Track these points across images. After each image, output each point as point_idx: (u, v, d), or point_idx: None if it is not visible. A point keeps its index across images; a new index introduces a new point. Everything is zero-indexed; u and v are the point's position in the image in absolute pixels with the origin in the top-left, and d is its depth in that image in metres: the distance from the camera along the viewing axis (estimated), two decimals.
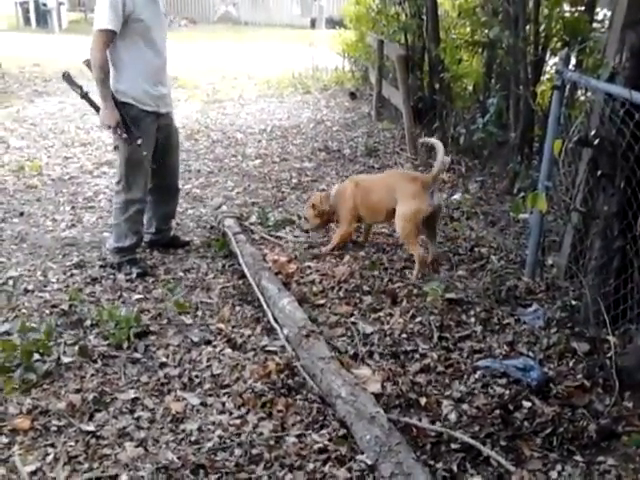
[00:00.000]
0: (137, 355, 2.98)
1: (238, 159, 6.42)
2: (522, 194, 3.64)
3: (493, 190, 5.28)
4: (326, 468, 2.25)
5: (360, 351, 3.00)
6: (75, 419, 2.50)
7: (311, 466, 2.27)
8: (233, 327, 3.24)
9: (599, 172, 3.04)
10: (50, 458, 2.29)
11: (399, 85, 6.65)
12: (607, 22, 4.40)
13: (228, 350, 3.03)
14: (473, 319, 3.27)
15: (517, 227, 4.49)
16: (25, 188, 5.35)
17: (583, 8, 5.06)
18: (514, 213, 4.14)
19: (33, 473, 2.22)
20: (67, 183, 5.54)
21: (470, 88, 7.03)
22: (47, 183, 5.51)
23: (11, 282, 3.62)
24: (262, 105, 9.19)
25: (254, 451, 2.34)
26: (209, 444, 2.38)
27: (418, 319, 3.28)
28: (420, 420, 2.51)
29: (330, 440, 2.39)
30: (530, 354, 2.95)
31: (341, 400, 2.48)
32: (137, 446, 2.36)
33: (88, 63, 3.53)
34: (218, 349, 3.04)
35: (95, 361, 2.91)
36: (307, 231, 4.43)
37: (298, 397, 2.66)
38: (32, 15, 18.25)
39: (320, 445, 2.37)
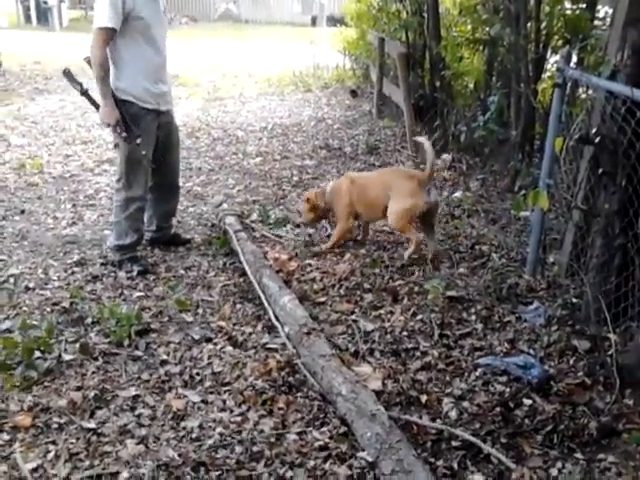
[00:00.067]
0: (138, 353, 2.98)
1: (239, 157, 6.42)
2: (523, 192, 3.64)
3: (494, 188, 5.27)
4: (327, 465, 2.26)
5: (361, 349, 3.00)
6: (76, 416, 2.50)
7: (312, 463, 2.27)
8: (234, 325, 3.24)
9: (600, 170, 3.04)
10: (51, 455, 2.30)
11: (400, 83, 6.65)
12: (608, 19, 4.40)
13: (229, 348, 3.03)
14: (474, 317, 3.27)
15: (518, 225, 4.49)
16: (26, 186, 5.35)
17: (584, 5, 5.05)
18: (515, 211, 4.14)
19: (34, 470, 2.22)
20: (68, 181, 5.54)
21: (471, 86, 7.02)
22: (48, 181, 5.51)
23: (12, 280, 3.62)
24: (263, 103, 9.18)
25: (255, 448, 2.35)
26: (210, 441, 2.38)
27: (419, 317, 3.28)
28: (421, 418, 2.51)
29: (331, 437, 2.40)
30: (531, 352, 2.95)
31: (342, 397, 2.48)
32: (138, 443, 2.36)
33: (89, 60, 3.53)
34: (219, 347, 3.04)
35: (96, 359, 2.91)
36: (299, 225, 4.41)
37: (299, 395, 2.67)
38: (33, 13, 18.26)
39: (321, 442, 2.37)
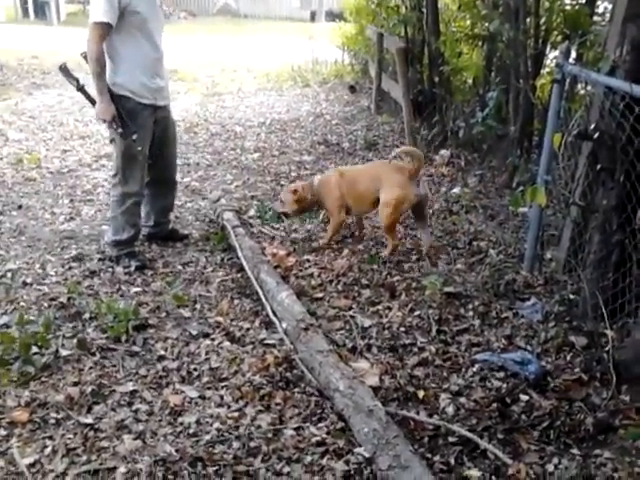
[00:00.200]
0: (135, 348, 2.98)
1: (237, 152, 6.41)
2: (521, 188, 3.64)
3: (492, 184, 5.27)
4: (324, 461, 2.26)
5: (358, 344, 3.00)
6: (73, 412, 2.50)
7: (309, 459, 2.27)
8: (232, 320, 3.24)
9: (598, 166, 3.04)
10: (48, 450, 2.30)
11: (399, 78, 6.63)
12: (608, 15, 4.39)
13: (227, 343, 3.03)
14: (471, 313, 3.28)
15: (516, 221, 4.49)
16: (24, 181, 5.34)
17: (584, 1, 5.04)
18: (513, 207, 4.14)
19: (31, 465, 2.22)
20: (66, 176, 5.53)
21: (470, 81, 7.01)
22: (46, 176, 5.50)
23: (9, 275, 3.62)
24: (261, 98, 9.17)
25: (252, 444, 2.35)
26: (207, 437, 2.38)
27: (416, 313, 3.28)
28: (418, 413, 2.52)
29: (328, 433, 2.40)
30: (528, 348, 2.96)
31: (339, 393, 2.48)
32: (135, 439, 2.36)
33: (85, 56, 3.51)
34: (216, 342, 3.04)
35: (93, 354, 2.91)
36: (283, 214, 4.37)
37: (296, 390, 2.67)
38: (30, 7, 18.20)
39: (318, 438, 2.37)
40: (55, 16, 17.95)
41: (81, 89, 3.65)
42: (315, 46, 11.51)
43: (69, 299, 3.36)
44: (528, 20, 4.90)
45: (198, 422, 2.47)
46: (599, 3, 5.16)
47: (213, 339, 3.07)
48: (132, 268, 3.74)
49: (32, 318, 3.09)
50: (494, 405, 2.55)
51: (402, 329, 3.14)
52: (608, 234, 3.02)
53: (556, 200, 3.82)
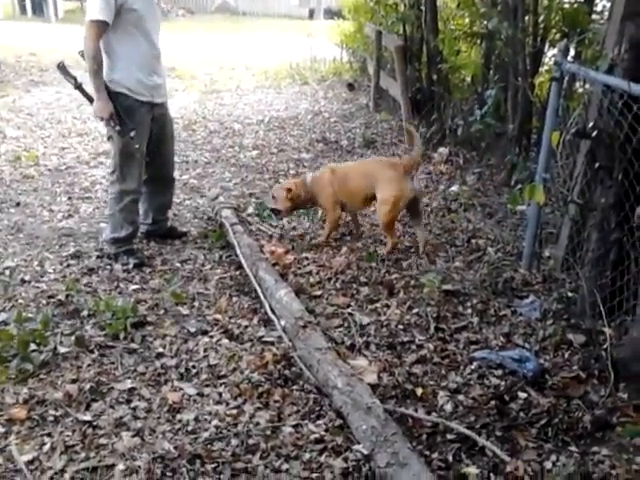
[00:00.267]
0: (134, 345, 2.98)
1: (235, 150, 6.41)
2: (520, 186, 3.65)
3: (491, 182, 5.27)
4: (322, 458, 2.26)
5: (357, 342, 3.00)
6: (72, 409, 2.50)
7: (307, 456, 2.28)
8: (230, 318, 3.24)
9: (597, 164, 3.04)
10: (47, 447, 2.30)
11: (397, 76, 6.64)
12: (606, 13, 4.38)
13: (225, 341, 3.03)
14: (470, 310, 3.28)
15: (514, 219, 4.49)
16: (22, 178, 5.33)
17: None
18: (511, 205, 4.15)
19: (30, 462, 2.22)
20: (64, 173, 5.52)
21: (468, 79, 7.01)
22: (44, 173, 5.49)
23: (8, 272, 3.62)
24: (260, 96, 9.16)
25: (250, 441, 2.35)
26: (206, 434, 2.38)
27: (415, 310, 3.28)
28: (416, 410, 2.52)
29: (326, 430, 2.40)
30: (526, 345, 2.96)
31: (337, 390, 2.48)
32: (134, 436, 2.36)
33: (83, 54, 3.51)
34: (215, 340, 3.04)
35: (92, 351, 2.91)
36: (274, 210, 4.34)
37: (295, 387, 2.67)
38: (28, 4, 18.15)
39: (316, 435, 2.37)
40: (53, 13, 17.92)
41: (79, 87, 3.64)
42: (313, 44, 11.50)
43: (67, 296, 3.36)
44: (527, 18, 4.90)
45: (196, 419, 2.47)
46: (597, 1, 5.18)
47: (211, 336, 3.07)
48: (130, 265, 3.74)
49: (30, 315, 3.09)
50: (492, 402, 2.55)
51: (400, 327, 3.15)
52: (606, 232, 3.03)
53: (554, 198, 3.82)
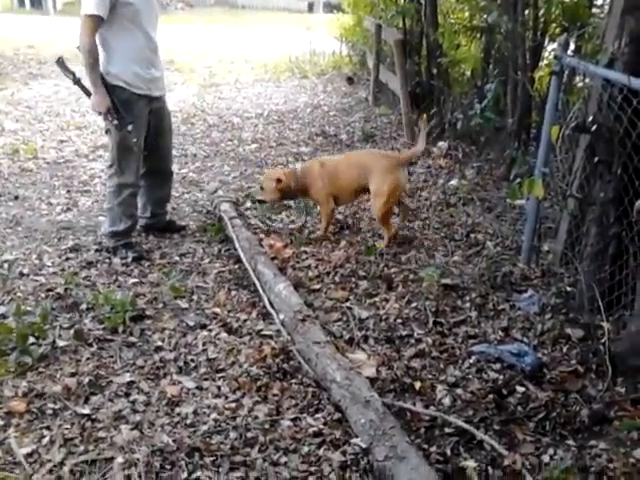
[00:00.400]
0: (133, 339, 2.98)
1: (234, 143, 6.39)
2: (519, 180, 3.63)
3: (490, 176, 5.27)
4: (321, 451, 2.27)
5: (355, 336, 3.01)
6: (70, 402, 2.50)
7: (306, 449, 2.28)
8: (229, 311, 3.25)
9: (596, 158, 3.04)
10: (46, 441, 2.30)
11: (396, 70, 6.61)
12: (606, 7, 4.37)
13: (224, 334, 3.03)
14: (468, 304, 3.28)
15: (513, 213, 4.49)
16: (20, 171, 5.32)
17: None
18: (510, 199, 4.14)
19: (29, 455, 2.23)
20: (62, 166, 5.51)
21: (468, 73, 6.99)
22: (42, 166, 5.48)
23: (6, 266, 3.61)
24: (259, 89, 9.13)
25: (249, 434, 2.36)
26: (204, 427, 2.39)
27: (413, 304, 3.28)
28: (414, 404, 2.53)
29: (325, 424, 2.41)
30: (524, 340, 2.97)
31: (336, 384, 2.49)
32: (132, 429, 2.37)
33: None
34: (214, 333, 3.04)
35: (90, 345, 2.91)
36: (260, 201, 4.33)
37: (293, 381, 2.67)
38: None
39: (315, 429, 2.38)
40: (51, 6, 17.85)
41: (78, 82, 3.63)
42: (313, 37, 11.45)
43: (66, 290, 3.36)
44: (527, 12, 4.89)
45: (195, 413, 2.48)
46: None
47: (210, 330, 3.07)
48: (129, 259, 3.74)
49: (29, 309, 3.08)
50: (490, 396, 2.56)
51: (399, 321, 3.15)
52: (605, 226, 3.03)
53: (553, 192, 3.82)
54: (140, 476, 2.13)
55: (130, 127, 3.58)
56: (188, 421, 2.43)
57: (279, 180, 4.06)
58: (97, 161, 5.65)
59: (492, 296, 3.35)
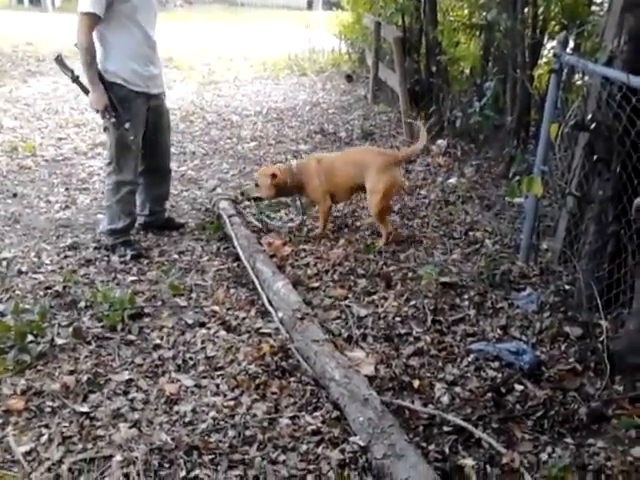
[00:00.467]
0: (131, 337, 2.98)
1: (233, 141, 6.39)
2: (518, 178, 3.63)
3: (489, 174, 5.26)
4: (319, 449, 2.27)
5: (354, 334, 3.01)
6: (69, 400, 2.50)
7: (304, 447, 2.28)
8: (227, 309, 3.25)
9: (595, 156, 3.03)
10: (44, 439, 2.30)
11: (396, 68, 6.60)
12: (606, 5, 4.37)
13: (222, 332, 3.03)
14: (467, 303, 3.28)
15: (512, 211, 4.49)
16: (18, 169, 5.32)
17: None
18: (509, 197, 4.14)
19: (27, 453, 2.23)
20: (61, 164, 5.50)
21: (467, 71, 6.98)
22: (41, 164, 5.47)
23: (5, 263, 3.61)
24: (258, 87, 9.12)
25: (248, 432, 2.36)
26: (203, 425, 2.39)
27: (412, 302, 3.28)
28: (413, 402, 2.53)
29: (323, 422, 2.41)
30: (523, 338, 2.97)
31: (335, 382, 2.49)
32: (131, 427, 2.37)
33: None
34: (212, 331, 3.04)
35: (89, 343, 2.91)
36: (256, 198, 4.31)
37: (292, 379, 2.67)
38: None
39: (313, 427, 2.38)
40: (50, 3, 17.80)
41: (76, 80, 3.62)
42: (312, 35, 11.45)
43: (65, 288, 3.36)
44: (526, 10, 4.89)
45: (194, 411, 2.48)
46: None
47: (209, 328, 3.07)
48: (128, 257, 3.74)
49: (27, 307, 3.08)
50: (489, 395, 2.56)
51: (398, 319, 3.15)
52: (604, 225, 3.03)
53: (552, 191, 3.82)
54: (138, 474, 2.13)
55: (127, 125, 3.58)
56: (187, 419, 2.43)
57: (274, 175, 4.04)
58: (96, 159, 5.64)
59: (491, 294, 3.35)
